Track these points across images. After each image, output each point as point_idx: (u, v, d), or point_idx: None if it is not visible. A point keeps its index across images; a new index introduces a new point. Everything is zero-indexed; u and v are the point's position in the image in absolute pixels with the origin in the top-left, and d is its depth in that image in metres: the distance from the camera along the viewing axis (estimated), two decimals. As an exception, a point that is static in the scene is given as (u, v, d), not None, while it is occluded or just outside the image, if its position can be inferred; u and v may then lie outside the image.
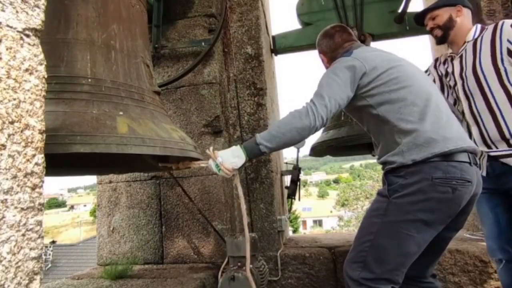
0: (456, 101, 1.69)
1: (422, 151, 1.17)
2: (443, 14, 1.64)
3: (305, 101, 1.34)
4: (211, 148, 1.36)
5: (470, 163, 1.19)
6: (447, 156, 1.16)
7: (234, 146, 1.34)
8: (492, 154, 1.48)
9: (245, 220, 1.46)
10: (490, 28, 1.55)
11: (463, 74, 1.59)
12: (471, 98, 1.56)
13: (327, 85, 1.31)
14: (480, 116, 1.53)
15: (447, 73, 1.71)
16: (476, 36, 1.58)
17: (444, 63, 1.75)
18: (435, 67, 1.81)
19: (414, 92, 1.25)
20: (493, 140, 1.49)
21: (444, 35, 1.66)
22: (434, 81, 1.78)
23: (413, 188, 1.17)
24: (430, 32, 1.73)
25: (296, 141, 1.31)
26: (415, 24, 1.84)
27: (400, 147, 1.22)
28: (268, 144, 1.28)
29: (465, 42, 1.61)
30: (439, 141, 1.17)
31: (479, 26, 1.61)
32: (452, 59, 1.68)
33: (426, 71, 1.83)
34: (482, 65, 1.51)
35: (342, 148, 2.70)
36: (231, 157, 1.32)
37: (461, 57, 1.62)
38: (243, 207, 1.45)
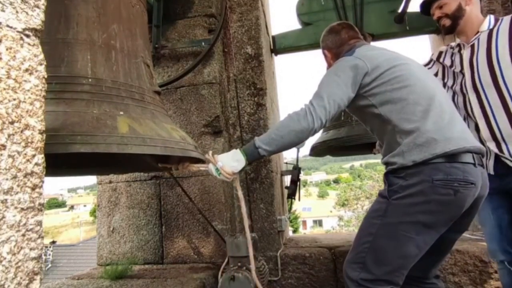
0: (455, 94, 1.61)
1: (423, 151, 1.15)
2: (451, 3, 1.56)
3: (304, 101, 1.33)
4: (210, 153, 1.36)
5: (474, 164, 1.16)
6: (450, 157, 1.14)
7: (234, 150, 1.35)
8: (499, 155, 1.43)
9: (246, 221, 1.45)
10: (506, 20, 1.48)
11: (474, 65, 1.52)
12: (481, 90, 1.49)
13: (327, 86, 1.30)
14: (491, 109, 1.46)
15: (452, 64, 1.64)
16: (491, 27, 1.51)
17: (450, 53, 1.67)
18: (438, 59, 1.73)
19: (417, 91, 1.23)
20: (504, 135, 1.42)
21: (453, 25, 1.58)
22: (436, 73, 1.71)
23: (413, 189, 1.15)
24: (437, 21, 1.64)
25: (295, 143, 1.31)
26: (415, 24, 1.81)
27: (400, 147, 1.20)
28: (267, 148, 1.28)
29: (478, 31, 1.54)
30: (440, 141, 1.14)
31: (492, 17, 1.55)
32: (460, 49, 1.61)
33: (428, 63, 1.77)
34: (499, 57, 1.43)
35: (342, 148, 2.70)
36: (231, 161, 1.32)
37: (472, 46, 1.54)
38: (244, 209, 1.44)
